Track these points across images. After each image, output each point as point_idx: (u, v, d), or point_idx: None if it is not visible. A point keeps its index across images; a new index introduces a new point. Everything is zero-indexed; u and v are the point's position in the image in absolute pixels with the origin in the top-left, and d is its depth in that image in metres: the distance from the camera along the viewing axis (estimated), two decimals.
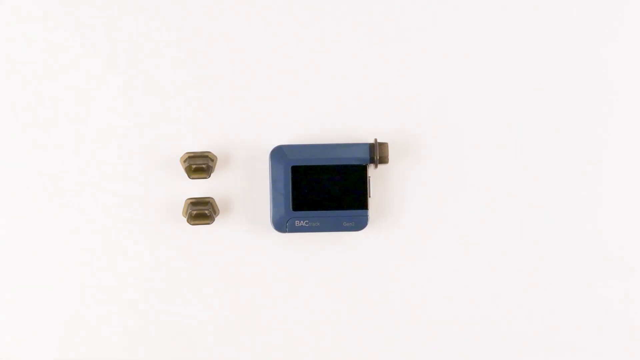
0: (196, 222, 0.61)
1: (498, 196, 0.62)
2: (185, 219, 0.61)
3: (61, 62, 0.61)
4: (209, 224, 0.61)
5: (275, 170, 0.58)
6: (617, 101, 0.63)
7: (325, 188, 0.58)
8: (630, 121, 0.63)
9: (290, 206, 0.58)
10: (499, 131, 0.62)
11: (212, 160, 0.61)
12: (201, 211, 0.61)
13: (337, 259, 0.61)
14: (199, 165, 0.60)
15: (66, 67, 0.61)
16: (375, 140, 0.58)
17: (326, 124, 0.61)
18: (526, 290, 0.63)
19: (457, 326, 0.62)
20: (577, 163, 0.63)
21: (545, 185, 0.63)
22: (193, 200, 0.61)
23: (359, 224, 0.58)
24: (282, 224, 0.58)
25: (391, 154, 0.61)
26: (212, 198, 0.61)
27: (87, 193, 0.61)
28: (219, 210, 0.62)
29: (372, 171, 0.60)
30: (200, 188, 0.62)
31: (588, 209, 0.63)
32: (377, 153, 0.58)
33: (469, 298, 0.62)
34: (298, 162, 0.58)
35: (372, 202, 0.60)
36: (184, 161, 0.60)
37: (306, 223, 0.58)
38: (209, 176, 0.60)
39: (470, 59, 0.62)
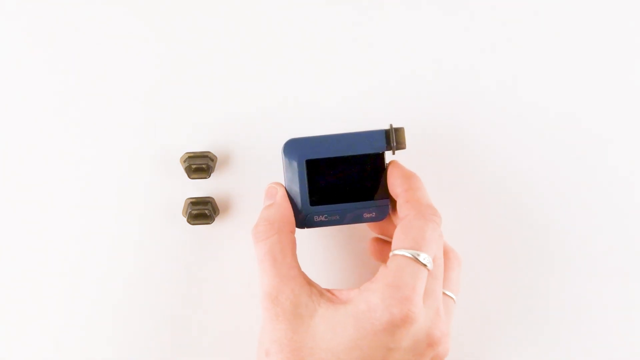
0: (196, 222, 0.61)
1: (499, 195, 0.62)
2: (185, 219, 0.61)
3: (60, 62, 0.61)
4: (209, 224, 0.61)
5: (289, 165, 0.55)
6: (617, 101, 0.63)
7: (342, 180, 0.55)
8: (630, 122, 0.63)
9: (308, 201, 0.55)
10: (501, 130, 0.62)
11: (212, 160, 0.61)
12: (201, 211, 0.61)
13: (338, 259, 0.61)
14: (199, 165, 0.60)
15: (65, 67, 0.61)
16: (391, 125, 0.55)
17: (326, 123, 0.61)
18: (526, 290, 0.63)
19: (458, 325, 0.61)
20: (578, 164, 0.63)
21: (547, 186, 0.63)
22: (193, 200, 0.61)
23: (380, 214, 0.56)
24: (300, 220, 0.56)
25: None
26: (212, 198, 0.61)
27: (86, 193, 0.61)
28: (219, 210, 0.62)
29: (390, 157, 0.58)
30: (200, 188, 0.62)
31: (590, 209, 0.63)
32: (393, 139, 0.55)
33: (469, 297, 0.62)
34: (312, 155, 0.55)
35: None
36: (184, 161, 0.60)
37: (325, 217, 0.55)
38: (209, 176, 0.60)
39: (471, 56, 0.62)
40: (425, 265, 0.50)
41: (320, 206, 0.55)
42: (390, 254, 0.51)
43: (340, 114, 0.62)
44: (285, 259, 0.51)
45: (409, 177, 0.53)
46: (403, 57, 0.62)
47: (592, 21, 0.63)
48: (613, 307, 0.63)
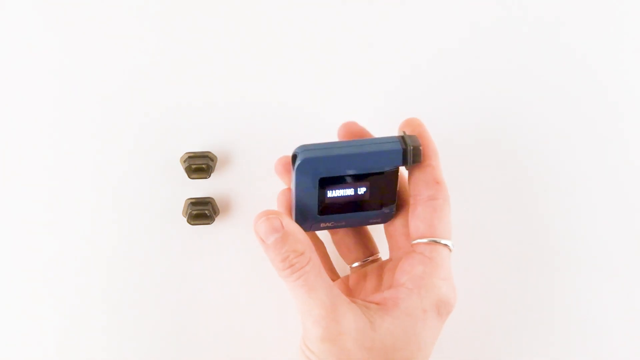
0: (196, 222, 0.61)
1: (498, 196, 0.63)
2: (185, 219, 0.61)
3: (60, 62, 0.61)
4: (209, 224, 0.61)
5: (301, 180, 0.52)
6: (616, 102, 0.63)
7: (353, 193, 0.53)
8: (627, 123, 0.63)
9: (316, 212, 0.53)
10: (499, 132, 0.62)
11: (212, 160, 0.61)
12: (201, 211, 0.61)
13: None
14: (199, 165, 0.60)
15: (65, 67, 0.61)
16: (407, 144, 0.51)
17: (326, 123, 0.61)
18: (526, 289, 0.63)
19: (456, 323, 0.61)
20: (580, 165, 0.63)
21: (546, 186, 0.63)
22: (193, 200, 0.61)
23: (385, 217, 0.55)
24: (306, 225, 0.54)
25: None
26: (212, 198, 0.61)
27: (86, 193, 0.61)
28: (219, 210, 0.62)
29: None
30: (200, 188, 0.62)
31: (590, 212, 0.63)
32: (410, 159, 0.51)
33: (469, 296, 0.62)
34: (326, 173, 0.52)
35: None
36: (184, 161, 0.60)
37: (332, 224, 0.54)
38: (209, 176, 0.60)
39: (469, 60, 0.62)
40: (447, 246, 0.52)
41: (328, 215, 0.53)
42: (415, 242, 0.52)
43: (340, 113, 0.62)
44: (325, 280, 0.51)
45: (436, 189, 0.53)
46: (403, 57, 0.62)
47: (592, 20, 0.63)
48: (614, 307, 0.63)
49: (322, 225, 0.54)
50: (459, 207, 0.62)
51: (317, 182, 0.52)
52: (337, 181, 0.52)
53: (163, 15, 0.61)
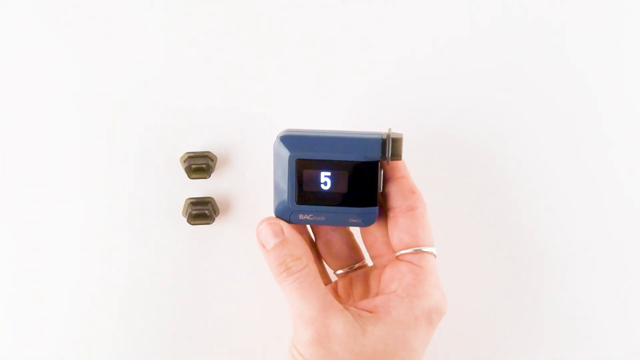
0: (196, 222, 0.61)
1: (497, 196, 0.63)
2: (185, 219, 0.61)
3: (60, 62, 0.61)
4: (209, 224, 0.61)
5: (280, 160, 0.54)
6: (614, 102, 0.63)
7: (331, 183, 0.53)
8: (626, 123, 0.63)
9: (294, 199, 0.54)
10: (498, 132, 0.62)
11: (212, 160, 0.61)
12: (201, 211, 0.61)
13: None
14: (199, 165, 0.60)
15: (65, 67, 0.61)
16: (388, 134, 0.52)
17: (326, 124, 0.61)
18: (525, 289, 0.63)
19: (454, 323, 0.61)
20: (581, 166, 0.63)
21: (545, 186, 0.63)
22: (193, 200, 0.61)
23: (367, 221, 0.54)
24: (285, 215, 0.54)
25: None
26: (212, 198, 0.61)
27: (86, 193, 0.61)
28: (219, 210, 0.62)
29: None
30: (200, 188, 0.62)
31: (589, 213, 0.63)
32: (389, 150, 0.52)
33: (468, 296, 0.62)
34: (304, 154, 0.53)
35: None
36: (184, 161, 0.60)
37: (310, 217, 0.54)
38: (209, 176, 0.60)
39: (469, 60, 0.62)
40: (432, 253, 0.53)
41: (306, 206, 0.54)
42: (399, 253, 0.53)
43: (340, 114, 0.62)
44: (320, 287, 0.52)
45: (413, 199, 0.54)
46: (403, 57, 0.62)
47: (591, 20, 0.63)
48: (604, 306, 0.64)
49: (300, 217, 0.54)
50: (452, 210, 0.63)
51: (295, 164, 0.53)
52: (316, 166, 0.53)
53: (163, 15, 0.61)
